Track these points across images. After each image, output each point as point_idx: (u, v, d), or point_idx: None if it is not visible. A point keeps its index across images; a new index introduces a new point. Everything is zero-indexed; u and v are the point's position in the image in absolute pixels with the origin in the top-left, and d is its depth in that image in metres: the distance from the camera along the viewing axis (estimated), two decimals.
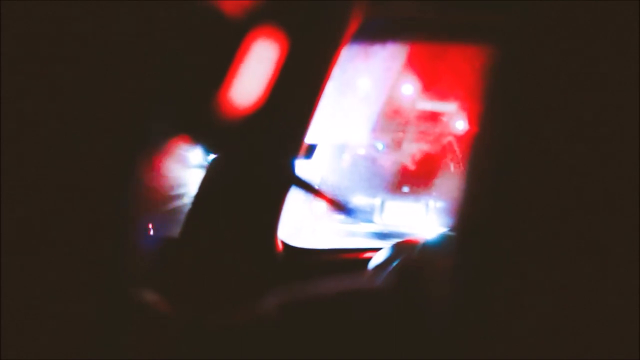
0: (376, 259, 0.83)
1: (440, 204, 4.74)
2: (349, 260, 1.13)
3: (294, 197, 1.04)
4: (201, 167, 0.99)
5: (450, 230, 0.60)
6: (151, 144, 0.77)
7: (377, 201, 4.83)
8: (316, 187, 1.06)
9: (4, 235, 0.57)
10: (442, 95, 5.11)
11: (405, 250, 0.81)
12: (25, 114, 0.60)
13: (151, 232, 0.94)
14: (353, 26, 0.99)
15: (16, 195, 0.58)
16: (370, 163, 5.23)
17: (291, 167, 1.00)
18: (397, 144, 5.34)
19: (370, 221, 4.69)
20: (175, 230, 0.99)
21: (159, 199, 0.87)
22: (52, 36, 0.60)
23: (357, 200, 4.72)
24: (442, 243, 0.72)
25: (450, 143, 5.03)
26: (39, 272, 0.59)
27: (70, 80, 0.61)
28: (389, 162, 5.30)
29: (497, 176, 0.48)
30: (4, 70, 0.58)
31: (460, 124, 4.91)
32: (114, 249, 0.65)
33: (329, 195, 1.12)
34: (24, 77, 0.60)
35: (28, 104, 0.60)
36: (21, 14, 0.59)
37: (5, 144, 0.58)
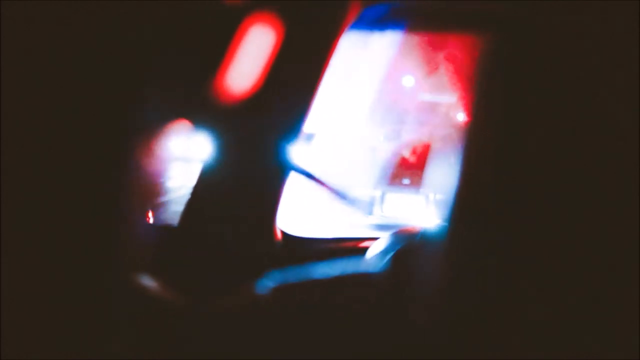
0: (374, 248, 0.84)
1: (440, 196, 4.72)
2: (347, 249, 1.14)
3: (293, 187, 1.04)
4: (200, 154, 0.99)
5: (447, 221, 0.61)
6: (149, 131, 0.77)
7: (377, 193, 4.83)
8: (316, 177, 1.06)
9: (4, 234, 0.57)
10: (443, 87, 5.09)
11: (403, 239, 0.81)
12: (22, 107, 0.59)
13: (150, 221, 0.94)
14: (352, 14, 0.98)
15: (14, 191, 0.58)
16: (370, 154, 5.22)
17: (290, 156, 1.00)
18: (397, 135, 5.33)
19: (370, 213, 4.69)
20: (175, 218, 0.99)
21: (157, 187, 0.87)
22: (49, 25, 0.60)
23: (357, 191, 4.72)
24: (440, 233, 0.72)
25: (450, 134, 5.00)
26: (39, 270, 0.59)
27: (67, 69, 0.61)
28: (389, 153, 5.29)
29: (492, 168, 0.48)
30: (4, 67, 0.58)
31: (460, 115, 4.89)
32: (113, 238, 0.65)
33: (329, 186, 1.12)
34: (21, 69, 0.59)
35: (24, 97, 0.60)
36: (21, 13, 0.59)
37: (4, 140, 0.57)
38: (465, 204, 0.52)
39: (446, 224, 0.62)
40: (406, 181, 5.05)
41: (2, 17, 0.57)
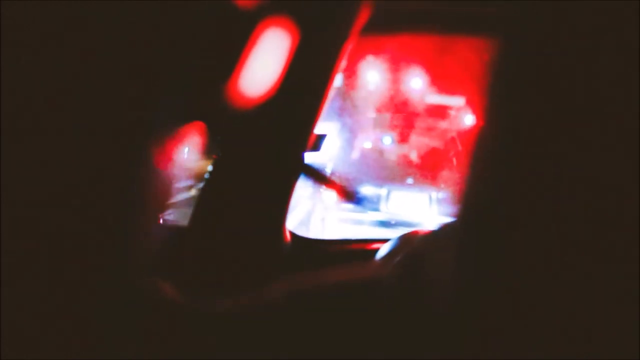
0: (383, 250, 0.84)
1: (442, 195, 4.82)
2: (356, 251, 1.14)
3: (303, 187, 1.05)
4: (211, 156, 1.00)
5: (453, 221, 0.61)
6: (162, 134, 0.77)
7: (383, 191, 4.89)
8: (325, 177, 1.07)
9: (4, 232, 0.57)
10: (450, 89, 5.09)
11: (411, 241, 0.81)
12: (32, 108, 0.59)
13: (161, 221, 0.95)
14: (362, 18, 0.99)
15: (20, 191, 0.58)
16: (377, 155, 5.27)
17: (300, 158, 1.00)
18: (404, 138, 5.36)
19: (377, 210, 4.75)
20: (185, 219, 0.99)
21: (169, 187, 0.88)
22: (59, 27, 0.60)
23: (365, 190, 4.79)
24: (446, 234, 0.72)
25: (454, 137, 5.05)
26: (40, 270, 0.59)
27: (79, 71, 0.61)
28: (396, 154, 5.33)
29: (499, 169, 0.48)
30: (5, 68, 0.58)
31: (467, 118, 4.91)
32: (119, 239, 0.65)
33: (338, 185, 1.13)
34: (28, 72, 0.59)
35: (34, 99, 0.60)
36: (21, 13, 0.59)
37: (10, 139, 0.57)
38: (476, 206, 0.52)
39: (455, 225, 0.62)
40: (410, 181, 5.12)
41: (3, 17, 0.57)
